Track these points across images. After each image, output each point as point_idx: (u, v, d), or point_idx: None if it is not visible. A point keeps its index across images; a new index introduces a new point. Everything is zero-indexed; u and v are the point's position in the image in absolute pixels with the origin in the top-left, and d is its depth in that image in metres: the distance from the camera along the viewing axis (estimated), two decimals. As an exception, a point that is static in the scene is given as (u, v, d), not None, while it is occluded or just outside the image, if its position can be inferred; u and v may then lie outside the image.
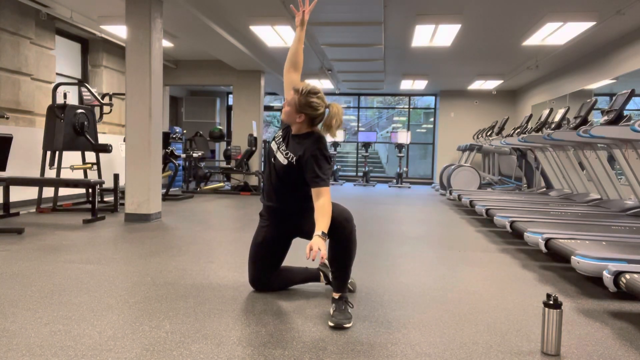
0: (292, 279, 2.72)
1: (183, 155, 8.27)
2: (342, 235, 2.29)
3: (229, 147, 9.70)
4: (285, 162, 2.43)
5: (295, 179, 2.43)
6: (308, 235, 2.30)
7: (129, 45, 5.10)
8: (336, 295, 2.28)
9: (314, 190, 2.31)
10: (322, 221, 2.21)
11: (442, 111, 12.74)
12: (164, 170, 7.25)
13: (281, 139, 2.52)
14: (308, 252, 2.08)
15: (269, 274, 2.61)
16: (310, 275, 2.72)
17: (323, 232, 2.16)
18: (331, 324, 2.14)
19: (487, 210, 4.84)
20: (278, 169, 2.47)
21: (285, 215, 2.57)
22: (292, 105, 2.37)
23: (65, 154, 5.84)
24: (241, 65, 8.94)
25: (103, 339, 1.94)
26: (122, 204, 5.53)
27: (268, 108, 14.06)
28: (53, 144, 5.67)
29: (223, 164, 10.46)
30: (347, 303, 2.25)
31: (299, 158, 2.38)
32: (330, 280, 2.45)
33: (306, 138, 2.41)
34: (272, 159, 2.52)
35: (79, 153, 6.20)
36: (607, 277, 2.34)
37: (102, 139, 6.52)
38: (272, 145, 2.56)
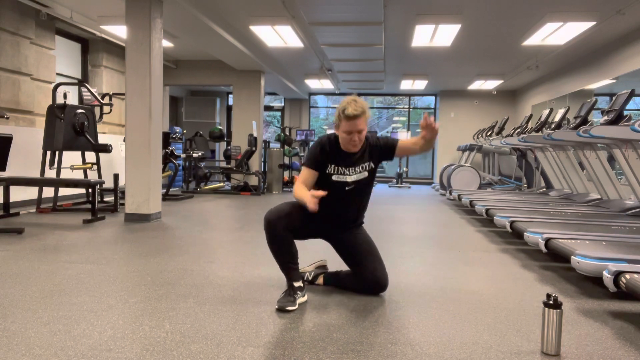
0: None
1: (183, 155, 8.27)
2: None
3: (229, 147, 9.70)
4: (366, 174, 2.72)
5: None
6: (337, 240, 2.76)
7: (129, 45, 5.10)
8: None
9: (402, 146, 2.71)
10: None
11: (442, 111, 12.74)
12: (164, 170, 7.25)
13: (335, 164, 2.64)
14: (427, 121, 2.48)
15: (287, 227, 2.49)
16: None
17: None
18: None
19: (487, 210, 4.84)
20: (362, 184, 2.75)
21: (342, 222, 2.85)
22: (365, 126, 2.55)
23: (65, 154, 5.84)
24: (241, 65, 8.94)
25: (103, 339, 1.94)
26: (122, 204, 5.53)
27: (268, 108, 14.10)
28: (53, 144, 5.67)
29: (223, 164, 10.47)
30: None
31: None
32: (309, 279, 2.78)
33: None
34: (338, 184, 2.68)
35: (79, 153, 6.20)
36: (607, 277, 2.34)
37: (102, 139, 6.52)
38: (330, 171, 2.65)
